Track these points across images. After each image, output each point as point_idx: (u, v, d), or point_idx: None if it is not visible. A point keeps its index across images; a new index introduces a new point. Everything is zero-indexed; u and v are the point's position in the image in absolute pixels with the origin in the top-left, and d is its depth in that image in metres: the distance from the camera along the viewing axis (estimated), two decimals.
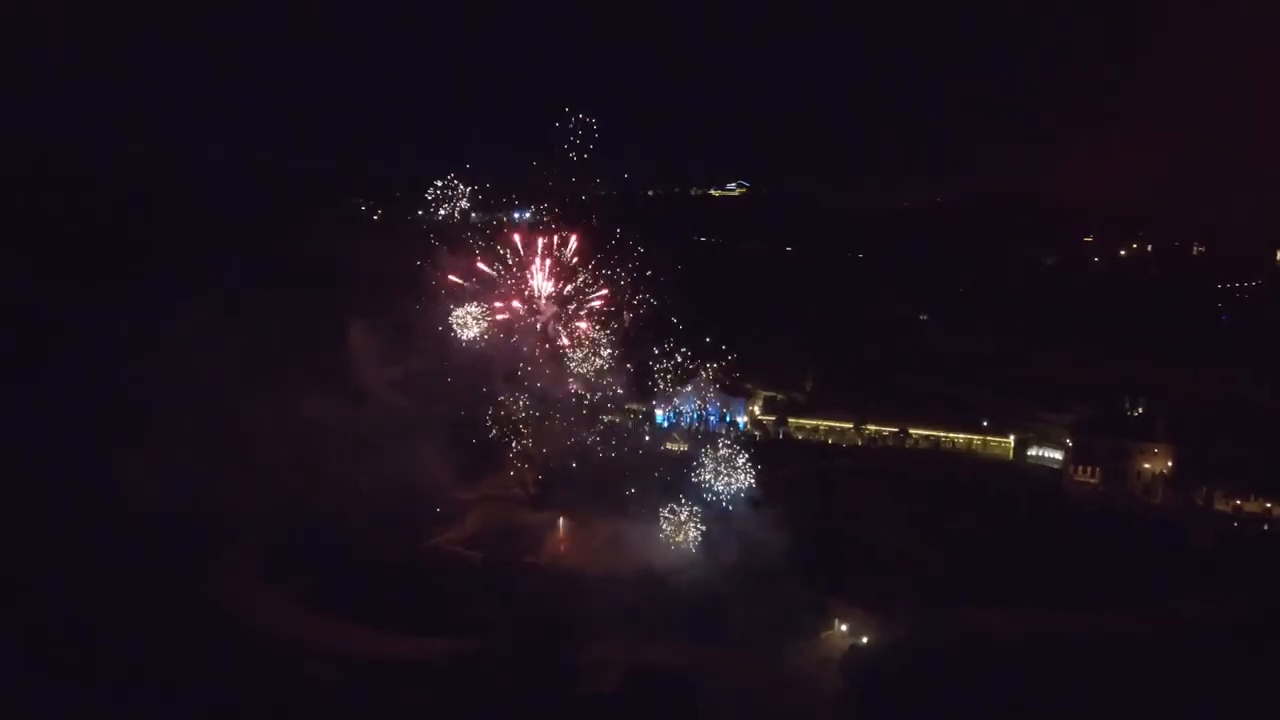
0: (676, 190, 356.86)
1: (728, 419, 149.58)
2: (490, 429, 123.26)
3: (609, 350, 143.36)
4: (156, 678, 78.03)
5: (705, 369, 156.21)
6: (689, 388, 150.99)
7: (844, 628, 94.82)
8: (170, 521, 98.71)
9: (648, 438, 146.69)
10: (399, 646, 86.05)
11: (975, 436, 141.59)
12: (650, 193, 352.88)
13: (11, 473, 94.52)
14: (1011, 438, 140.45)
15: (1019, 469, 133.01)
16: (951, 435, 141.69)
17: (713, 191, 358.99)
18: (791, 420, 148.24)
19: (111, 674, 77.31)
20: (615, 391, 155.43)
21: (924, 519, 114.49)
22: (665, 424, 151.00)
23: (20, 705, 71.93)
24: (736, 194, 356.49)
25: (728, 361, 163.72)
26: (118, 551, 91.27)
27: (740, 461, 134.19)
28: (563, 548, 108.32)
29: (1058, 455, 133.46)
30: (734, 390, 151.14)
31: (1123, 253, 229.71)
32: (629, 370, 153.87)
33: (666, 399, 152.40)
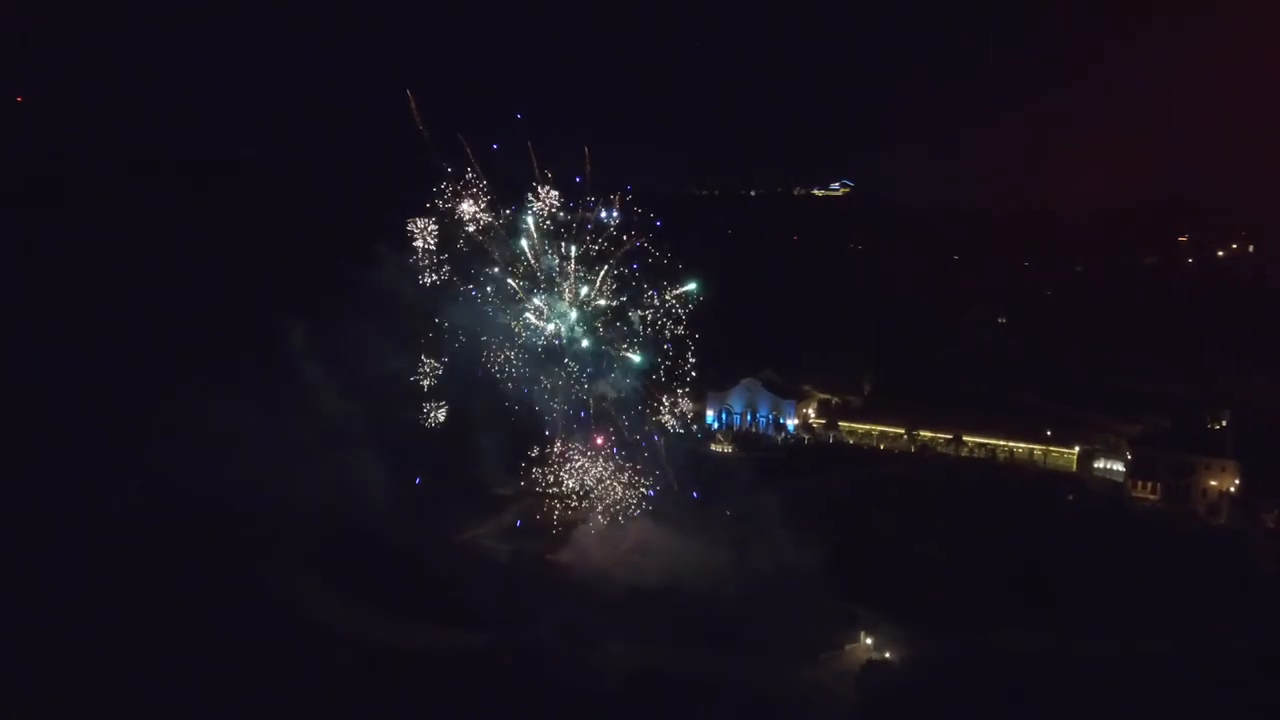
0: (779, 190, 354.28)
1: (779, 421, 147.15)
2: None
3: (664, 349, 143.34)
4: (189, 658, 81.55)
5: (758, 369, 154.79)
6: (739, 387, 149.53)
7: (869, 641, 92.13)
8: (219, 513, 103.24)
9: (699, 438, 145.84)
10: (415, 636, 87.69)
11: (1037, 446, 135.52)
12: (752, 193, 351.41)
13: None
14: (1076, 448, 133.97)
15: (1078, 482, 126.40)
16: (1011, 444, 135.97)
17: (815, 191, 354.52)
18: (843, 424, 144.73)
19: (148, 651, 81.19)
20: (669, 390, 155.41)
21: (969, 531, 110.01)
22: (715, 424, 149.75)
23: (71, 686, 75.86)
24: (840, 193, 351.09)
25: (782, 362, 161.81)
26: (167, 542, 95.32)
27: (783, 465, 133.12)
28: (593, 547, 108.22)
29: (1123, 469, 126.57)
30: (784, 392, 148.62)
31: (1220, 254, 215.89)
32: (681, 369, 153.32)
33: (718, 399, 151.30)
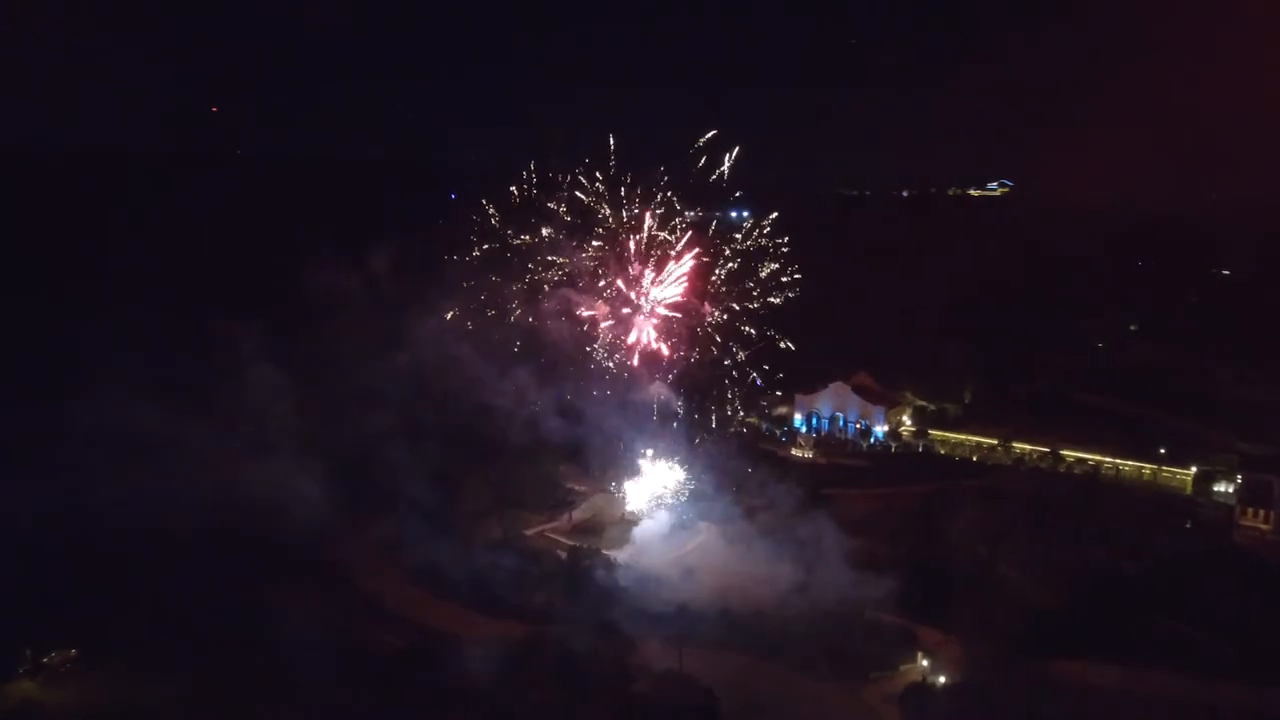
0: (933, 190, 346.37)
1: (866, 427, 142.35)
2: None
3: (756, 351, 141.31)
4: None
5: (854, 373, 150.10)
6: (828, 391, 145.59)
7: (926, 663, 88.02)
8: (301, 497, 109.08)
9: (784, 440, 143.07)
10: (461, 622, 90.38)
11: (1147, 465, 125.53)
12: (904, 193, 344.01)
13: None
14: (1193, 469, 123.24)
15: (1188, 506, 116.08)
16: (1117, 461, 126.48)
17: (971, 191, 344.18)
18: (933, 433, 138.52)
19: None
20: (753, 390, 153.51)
21: (1052, 555, 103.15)
22: (803, 429, 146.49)
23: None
24: (997, 194, 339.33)
25: (882, 367, 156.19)
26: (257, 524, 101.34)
27: (863, 474, 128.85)
28: (651, 548, 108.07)
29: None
30: (874, 397, 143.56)
31: None
32: (767, 372, 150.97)
33: (806, 403, 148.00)
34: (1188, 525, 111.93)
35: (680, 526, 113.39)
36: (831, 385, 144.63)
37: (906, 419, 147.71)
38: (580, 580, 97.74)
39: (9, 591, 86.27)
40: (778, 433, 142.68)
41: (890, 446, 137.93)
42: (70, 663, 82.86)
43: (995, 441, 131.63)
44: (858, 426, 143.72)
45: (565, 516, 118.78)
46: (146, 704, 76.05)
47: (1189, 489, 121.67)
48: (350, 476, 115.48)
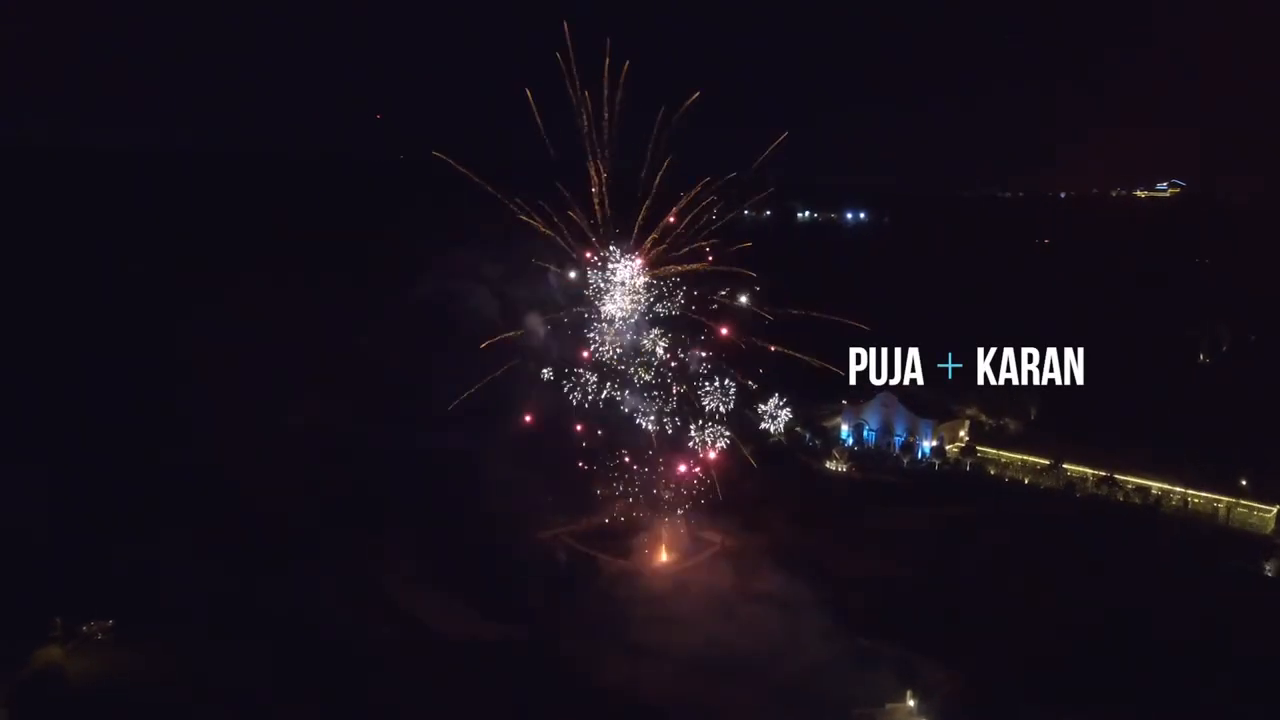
0: (1094, 191, 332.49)
1: (913, 442, 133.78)
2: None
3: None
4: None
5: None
6: (875, 402, 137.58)
7: (913, 703, 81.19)
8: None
9: (816, 450, 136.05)
10: (453, 619, 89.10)
11: (1223, 498, 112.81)
12: (1062, 194, 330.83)
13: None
14: (1277, 507, 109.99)
15: (1263, 547, 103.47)
16: (1188, 491, 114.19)
17: (1138, 193, 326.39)
18: (983, 450, 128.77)
19: None
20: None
21: (1089, 593, 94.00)
22: (848, 440, 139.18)
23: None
24: (1166, 194, 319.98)
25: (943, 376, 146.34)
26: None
27: (898, 492, 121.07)
28: (653, 558, 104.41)
29: None
30: (923, 410, 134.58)
31: None
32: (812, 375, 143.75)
33: (854, 413, 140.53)
34: (1268, 572, 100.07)
35: (692, 536, 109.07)
36: (879, 395, 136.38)
37: (964, 434, 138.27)
38: (573, 585, 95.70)
39: (43, 561, 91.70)
40: (816, 443, 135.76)
41: (934, 464, 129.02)
42: (105, 633, 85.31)
43: (1047, 462, 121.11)
44: (909, 439, 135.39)
45: (584, 520, 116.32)
46: (164, 677, 78.04)
47: (1270, 527, 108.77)
48: (378, 469, 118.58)
